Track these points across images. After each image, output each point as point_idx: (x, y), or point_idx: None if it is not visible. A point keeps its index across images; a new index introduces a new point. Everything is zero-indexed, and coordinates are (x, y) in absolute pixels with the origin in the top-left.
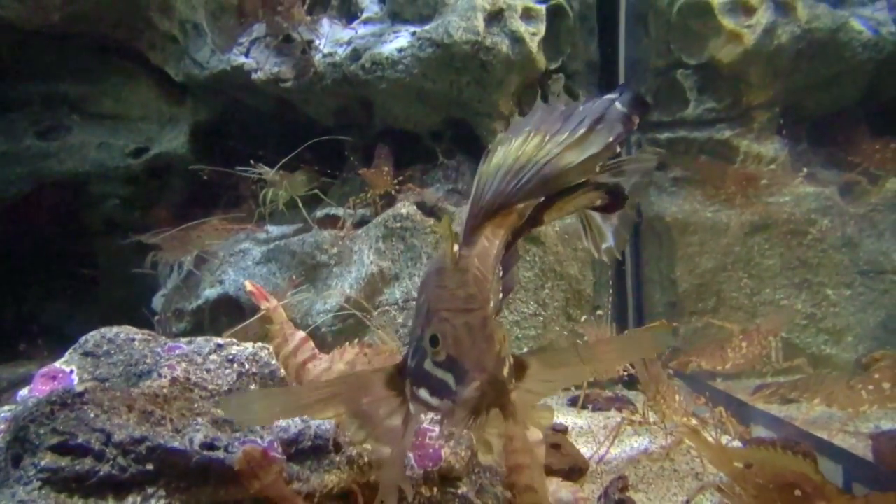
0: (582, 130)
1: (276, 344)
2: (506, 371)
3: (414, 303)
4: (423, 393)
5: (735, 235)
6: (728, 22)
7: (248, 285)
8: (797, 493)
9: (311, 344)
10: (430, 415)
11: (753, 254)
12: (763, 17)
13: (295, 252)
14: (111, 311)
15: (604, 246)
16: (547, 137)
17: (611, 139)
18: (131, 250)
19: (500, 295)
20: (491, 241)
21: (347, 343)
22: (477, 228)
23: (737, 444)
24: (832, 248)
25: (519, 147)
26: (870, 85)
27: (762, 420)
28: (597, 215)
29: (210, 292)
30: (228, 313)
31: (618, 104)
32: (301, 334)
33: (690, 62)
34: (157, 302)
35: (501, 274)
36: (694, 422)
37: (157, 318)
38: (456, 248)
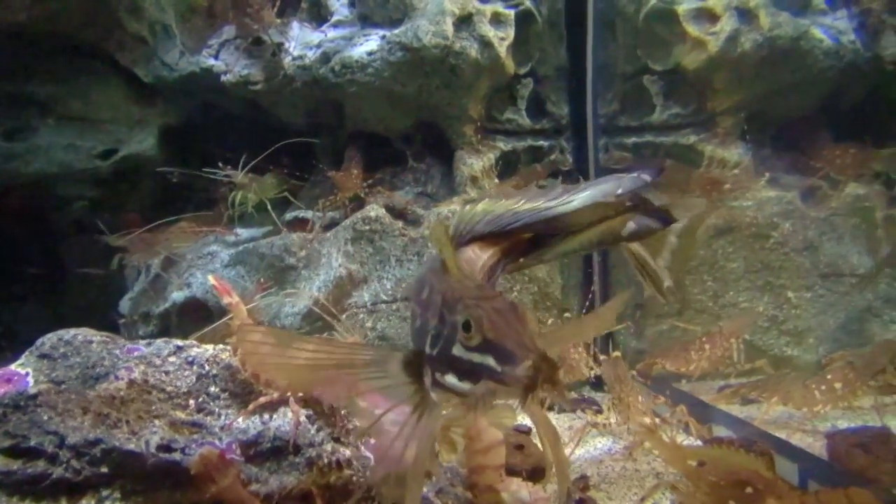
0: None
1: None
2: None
3: (383, 305)
4: (451, 378)
5: (700, 239)
6: (693, 29)
7: (212, 279)
8: (749, 490)
9: None
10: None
11: (717, 257)
12: (727, 24)
13: (263, 255)
14: (78, 314)
15: (666, 285)
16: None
17: (615, 190)
18: (99, 253)
19: None
20: (478, 255)
21: None
22: (466, 243)
23: (697, 443)
24: (794, 252)
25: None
26: (831, 92)
27: (723, 420)
28: (650, 259)
29: (177, 295)
30: (196, 316)
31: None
32: None
33: (657, 68)
34: (125, 305)
35: None
36: (655, 421)
37: (122, 321)
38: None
